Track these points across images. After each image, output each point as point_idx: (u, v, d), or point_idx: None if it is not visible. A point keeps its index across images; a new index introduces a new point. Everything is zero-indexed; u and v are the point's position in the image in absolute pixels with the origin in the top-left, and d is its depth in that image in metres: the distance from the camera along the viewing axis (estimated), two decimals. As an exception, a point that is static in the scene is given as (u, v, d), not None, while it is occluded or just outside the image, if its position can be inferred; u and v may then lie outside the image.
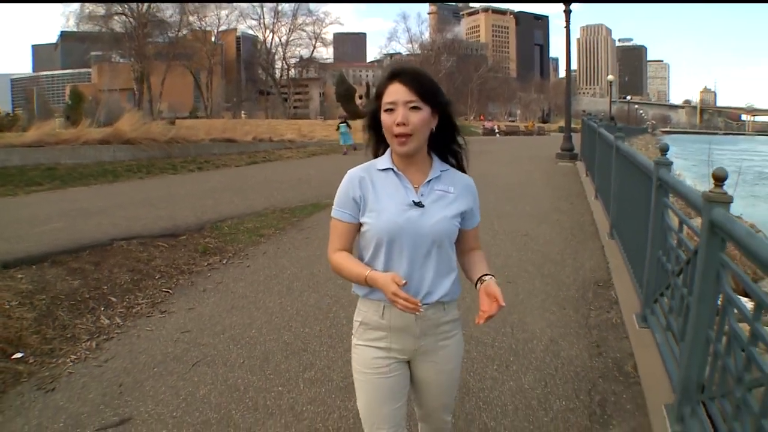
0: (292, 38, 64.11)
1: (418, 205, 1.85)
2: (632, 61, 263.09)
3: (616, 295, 5.36)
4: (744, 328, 2.43)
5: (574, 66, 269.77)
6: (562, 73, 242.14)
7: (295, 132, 23.10)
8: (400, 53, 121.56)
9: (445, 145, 1.96)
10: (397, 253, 1.86)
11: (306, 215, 8.95)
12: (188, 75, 66.12)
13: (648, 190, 4.71)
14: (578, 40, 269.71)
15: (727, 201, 2.77)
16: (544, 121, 74.81)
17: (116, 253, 6.08)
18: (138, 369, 3.84)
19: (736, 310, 2.49)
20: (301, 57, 66.27)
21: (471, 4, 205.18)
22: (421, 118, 1.79)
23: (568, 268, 6.26)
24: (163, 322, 4.67)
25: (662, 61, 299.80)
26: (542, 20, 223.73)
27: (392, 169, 1.90)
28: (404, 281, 1.70)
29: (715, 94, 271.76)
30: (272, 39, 63.59)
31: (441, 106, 1.86)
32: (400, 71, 1.84)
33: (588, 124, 14.53)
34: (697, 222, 3.26)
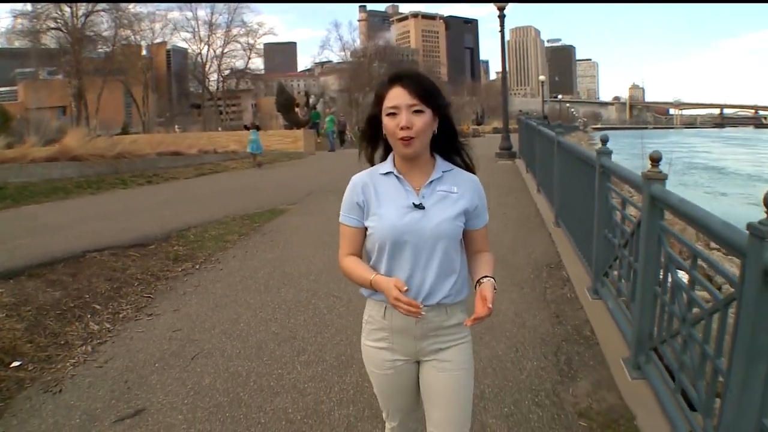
0: (227, 50, 63.30)
1: (419, 207, 1.88)
2: (561, 61, 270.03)
3: (567, 274, 5.89)
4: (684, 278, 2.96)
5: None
6: (493, 76, 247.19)
7: (235, 143, 23.11)
8: (331, 61, 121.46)
9: (447, 145, 1.97)
10: (399, 256, 1.89)
11: (266, 220, 9.20)
12: (118, 90, 64.72)
13: (590, 177, 5.26)
14: (508, 42, 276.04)
15: (662, 178, 3.32)
16: (479, 123, 76.15)
17: (91, 264, 6.22)
18: (139, 366, 4.07)
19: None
20: (232, 69, 65.63)
21: (401, 10, 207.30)
22: (424, 121, 1.82)
23: (520, 254, 6.76)
24: (153, 323, 4.90)
25: (591, 59, 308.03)
26: (472, 24, 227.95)
27: (393, 172, 1.93)
28: (406, 287, 1.73)
29: (644, 90, 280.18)
30: (207, 51, 62.63)
31: (441, 108, 1.88)
32: (400, 75, 1.87)
33: (526, 123, 15.26)
34: (636, 200, 3.90)
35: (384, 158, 2.01)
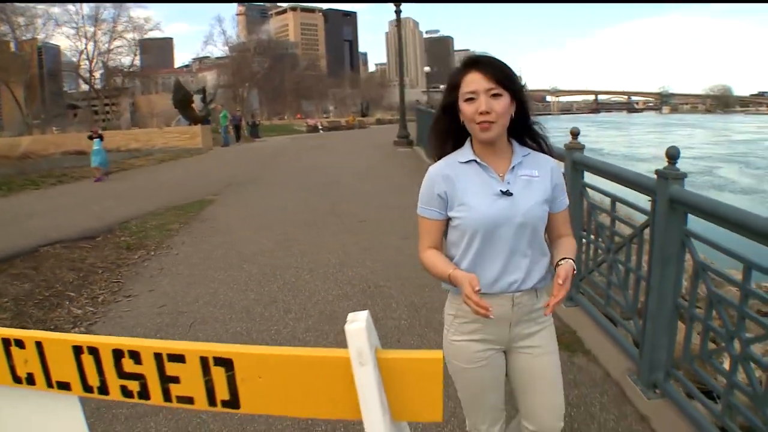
0: (113, 46, 59.99)
1: (506, 194, 1.84)
2: (440, 52, 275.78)
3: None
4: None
5: (383, 59, 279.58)
6: (372, 67, 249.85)
7: (131, 141, 22.80)
8: (209, 57, 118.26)
9: (523, 128, 1.93)
10: (490, 244, 1.86)
11: (198, 210, 9.61)
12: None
13: None
14: (387, 33, 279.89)
15: (581, 147, 4.12)
16: (364, 115, 77.61)
17: (47, 257, 6.48)
18: (141, 339, 4.54)
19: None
20: (115, 66, 62.52)
21: (279, 4, 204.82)
22: (503, 105, 1.78)
23: (445, 226, 7.66)
24: (134, 303, 5.32)
25: (469, 50, 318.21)
26: (351, 16, 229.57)
27: (475, 160, 1.88)
28: (478, 287, 1.71)
29: (521, 78, 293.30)
30: (94, 49, 59.01)
31: (518, 91, 1.84)
32: (476, 59, 1.84)
33: (428, 113, 16.31)
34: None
35: (438, 153, 2.00)
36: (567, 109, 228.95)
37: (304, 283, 5.52)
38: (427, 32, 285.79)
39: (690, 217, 2.97)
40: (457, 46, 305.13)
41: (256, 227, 8.01)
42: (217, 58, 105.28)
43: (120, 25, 60.01)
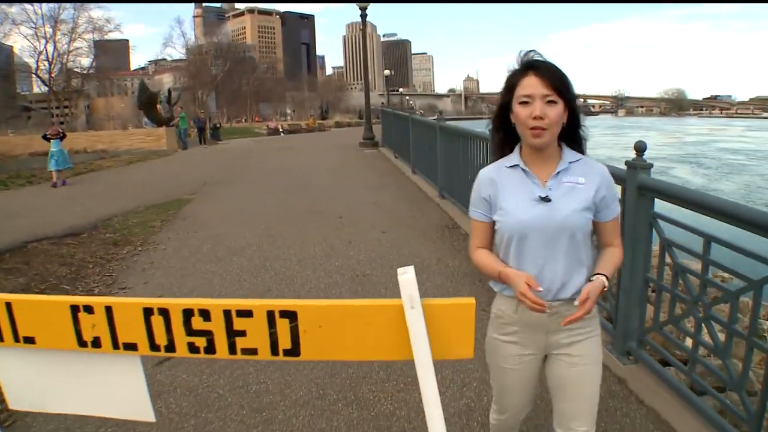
0: (72, 48, 58.32)
1: (545, 200, 1.85)
2: (398, 55, 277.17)
3: (465, 231, 7.19)
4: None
5: (341, 63, 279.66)
6: (329, 71, 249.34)
7: (96, 143, 22.62)
8: (166, 59, 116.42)
9: (570, 136, 1.92)
10: (527, 249, 1.87)
11: (178, 208, 9.78)
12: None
13: (478, 153, 6.71)
14: (344, 37, 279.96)
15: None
16: (324, 118, 77.91)
17: (37, 252, 6.59)
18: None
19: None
20: (65, 68, 60.86)
21: (236, 5, 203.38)
22: (557, 113, 1.78)
23: (421, 220, 8.03)
24: (131, 294, 5.50)
25: (426, 53, 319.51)
26: (308, 19, 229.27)
27: (519, 165, 1.90)
28: (540, 288, 1.76)
29: (478, 82, 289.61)
30: (54, 50, 57.30)
31: (572, 99, 1.84)
32: (535, 64, 1.83)
33: (396, 115, 16.67)
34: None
35: (500, 152, 2.02)
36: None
37: (294, 273, 5.78)
38: (384, 36, 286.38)
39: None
40: (414, 49, 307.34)
41: (238, 224, 8.22)
42: (174, 60, 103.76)
43: (80, 26, 58.24)
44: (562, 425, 2.04)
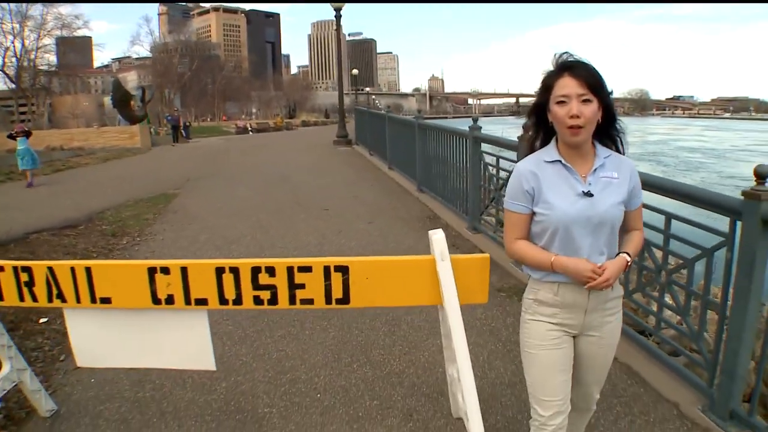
0: (41, 44, 56.76)
1: (588, 194, 1.95)
2: (363, 54, 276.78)
3: (445, 221, 7.68)
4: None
5: (306, 62, 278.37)
6: (294, 69, 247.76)
7: (69, 141, 22.61)
8: (129, 57, 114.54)
9: (605, 132, 2.03)
10: (571, 240, 1.99)
11: (166, 202, 10.08)
12: None
13: (460, 148, 7.21)
14: (309, 36, 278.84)
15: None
16: (291, 117, 78.01)
17: (40, 243, 6.87)
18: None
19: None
20: (29, 65, 59.37)
21: (201, 4, 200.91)
22: (593, 111, 1.88)
23: (402, 211, 8.50)
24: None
25: (391, 52, 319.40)
26: (273, 18, 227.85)
27: (560, 161, 2.00)
28: (599, 270, 1.94)
29: (443, 82, 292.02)
30: (22, 46, 55.63)
31: (606, 97, 1.93)
32: (571, 64, 1.92)
33: (371, 114, 17.14)
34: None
35: (530, 148, 2.14)
36: (489, 112, 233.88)
37: (292, 257, 6.14)
38: (349, 35, 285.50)
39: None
40: (379, 48, 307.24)
41: (228, 216, 8.56)
42: (139, 58, 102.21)
43: (49, 23, 56.62)
44: (579, 392, 2.26)
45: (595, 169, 1.98)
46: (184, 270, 2.49)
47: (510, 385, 3.51)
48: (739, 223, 2.88)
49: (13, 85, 57.40)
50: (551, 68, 1.97)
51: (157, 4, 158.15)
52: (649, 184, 3.56)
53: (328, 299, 2.41)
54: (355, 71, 65.07)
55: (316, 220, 8.10)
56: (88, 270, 2.59)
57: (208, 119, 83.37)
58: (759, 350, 2.94)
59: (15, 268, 2.69)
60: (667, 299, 3.63)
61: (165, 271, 2.50)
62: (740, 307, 2.87)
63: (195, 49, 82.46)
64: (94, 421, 3.27)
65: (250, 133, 45.95)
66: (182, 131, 30.64)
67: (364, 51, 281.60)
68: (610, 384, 3.46)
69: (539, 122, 2.04)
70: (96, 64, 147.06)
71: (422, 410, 3.27)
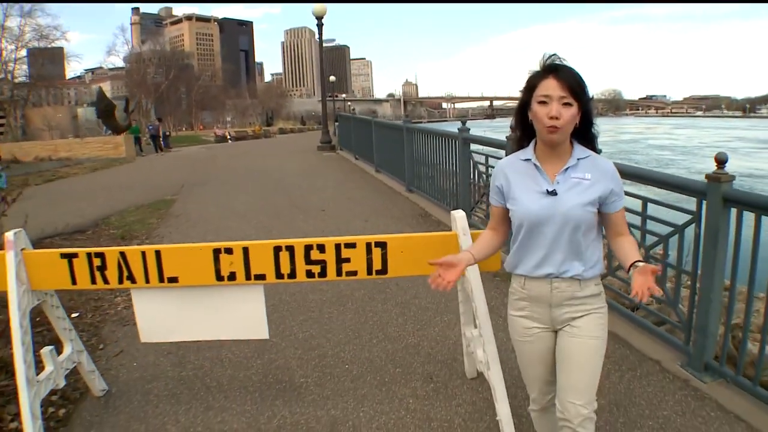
0: (19, 56, 55.93)
1: (551, 193, 2.03)
2: (336, 61, 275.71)
3: (437, 219, 8.17)
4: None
5: (279, 69, 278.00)
6: (268, 77, 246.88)
7: (52, 152, 22.76)
8: (102, 67, 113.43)
9: (582, 135, 2.08)
10: (534, 236, 2.08)
11: (167, 207, 10.43)
12: None
13: (449, 149, 7.74)
14: (283, 43, 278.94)
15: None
16: (269, 125, 78.17)
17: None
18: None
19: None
20: (5, 77, 58.38)
21: (174, 13, 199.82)
22: (572, 114, 1.94)
23: (395, 210, 9.00)
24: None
25: (365, 58, 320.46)
26: (247, 26, 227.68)
27: (531, 159, 2.09)
28: (441, 262, 2.14)
29: (417, 87, 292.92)
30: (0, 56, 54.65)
31: (586, 102, 1.99)
32: (555, 67, 1.98)
33: (356, 119, 17.73)
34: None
35: (518, 145, 2.21)
36: (463, 116, 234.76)
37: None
38: (324, 42, 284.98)
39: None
40: (353, 54, 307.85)
41: (229, 218, 8.98)
42: (112, 69, 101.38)
43: (27, 34, 55.76)
44: (559, 399, 2.17)
45: (566, 169, 2.05)
46: (245, 250, 2.94)
47: (512, 350, 4.00)
48: (704, 203, 3.42)
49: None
50: (537, 69, 2.04)
51: (130, 14, 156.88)
52: (628, 173, 4.11)
53: (369, 270, 2.88)
54: (332, 78, 65.60)
55: (315, 220, 8.55)
56: (157, 253, 3.02)
57: (184, 129, 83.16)
58: (725, 314, 3.48)
59: (89, 254, 3.08)
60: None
61: (228, 251, 2.95)
62: (708, 273, 3.40)
63: (171, 58, 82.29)
64: (146, 398, 3.69)
65: (230, 141, 46.04)
66: (161, 141, 30.72)
67: (337, 57, 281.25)
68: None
69: (523, 121, 2.11)
70: (69, 74, 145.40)
71: (440, 374, 3.76)
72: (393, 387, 3.61)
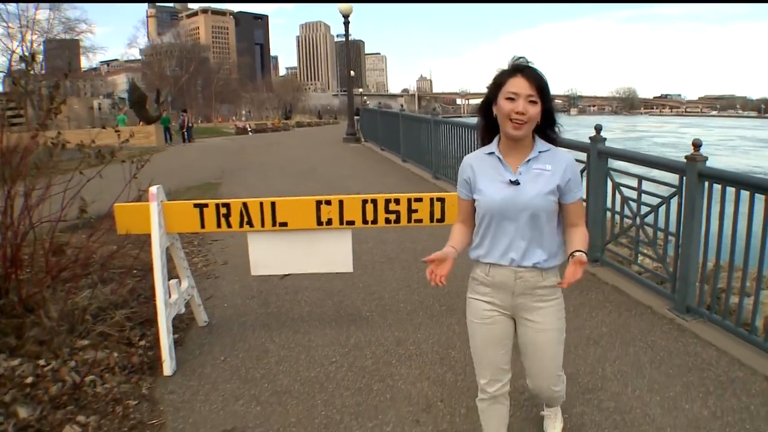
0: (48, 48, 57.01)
1: (514, 183, 2.14)
2: (351, 56, 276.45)
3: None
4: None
5: (293, 63, 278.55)
6: (283, 71, 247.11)
7: (87, 140, 23.70)
8: (117, 59, 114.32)
9: (543, 131, 2.21)
10: (499, 225, 2.19)
11: (215, 189, 11.48)
12: None
13: (472, 139, 8.74)
14: (298, 37, 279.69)
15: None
16: (287, 118, 79.29)
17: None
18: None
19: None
20: (27, 70, 59.19)
21: (190, 6, 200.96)
22: (536, 112, 2.07)
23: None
24: (224, 244, 7.21)
25: (380, 53, 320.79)
26: (262, 20, 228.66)
27: (494, 153, 2.20)
28: (432, 258, 2.20)
29: (431, 82, 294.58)
30: (30, 49, 55.50)
31: (548, 102, 2.12)
32: (523, 67, 2.10)
33: (382, 113, 18.97)
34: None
35: (481, 140, 2.33)
36: (477, 112, 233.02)
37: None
38: (338, 36, 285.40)
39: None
40: (367, 50, 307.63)
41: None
42: (128, 61, 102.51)
43: (55, 27, 56.69)
44: (529, 377, 2.47)
45: (528, 161, 2.17)
46: (341, 202, 3.96)
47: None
48: (684, 179, 4.41)
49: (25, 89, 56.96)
50: (505, 68, 2.17)
51: (146, 7, 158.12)
52: (627, 156, 5.11)
53: (432, 219, 3.90)
54: (353, 73, 66.42)
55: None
56: (273, 204, 4.03)
57: (199, 121, 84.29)
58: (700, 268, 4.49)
59: (217, 205, 4.06)
60: (641, 237, 5.17)
61: (328, 203, 3.97)
62: (688, 233, 4.40)
63: (191, 51, 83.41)
64: (242, 327, 4.68)
65: (250, 133, 46.71)
66: (185, 132, 31.70)
67: (352, 52, 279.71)
68: (603, 294, 4.99)
69: (488, 116, 2.23)
70: (85, 66, 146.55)
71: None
72: (441, 318, 4.64)
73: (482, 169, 2.24)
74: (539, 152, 2.19)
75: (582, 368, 3.71)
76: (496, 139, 2.25)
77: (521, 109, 2.05)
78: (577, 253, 2.09)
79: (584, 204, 2.42)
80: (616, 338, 4.18)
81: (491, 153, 2.23)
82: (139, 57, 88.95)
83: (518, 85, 2.07)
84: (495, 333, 2.34)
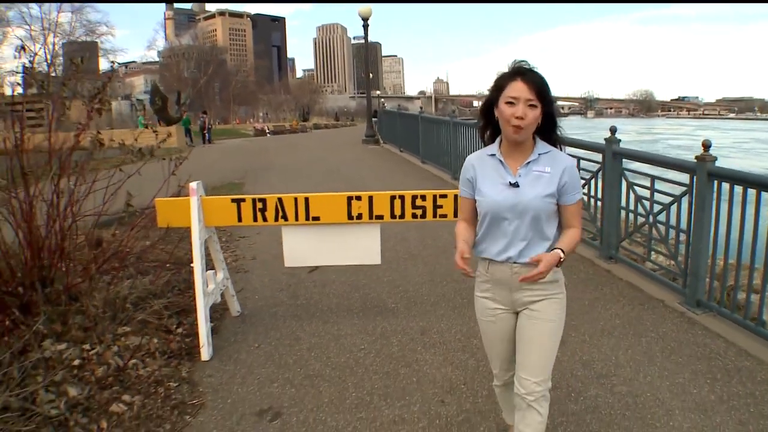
0: (68, 50, 57.78)
1: (514, 185, 2.18)
2: (369, 57, 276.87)
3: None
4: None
5: (311, 65, 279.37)
6: (300, 73, 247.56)
7: (112, 141, 24.22)
8: (135, 61, 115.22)
9: (545, 134, 2.24)
10: (498, 225, 2.24)
11: (239, 189, 11.71)
12: None
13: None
14: (315, 39, 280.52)
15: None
16: (305, 120, 79.78)
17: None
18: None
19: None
20: (24, 69, 59.59)
21: (207, 8, 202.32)
22: (535, 116, 2.10)
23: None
24: (253, 240, 7.49)
25: (396, 55, 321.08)
26: (279, 22, 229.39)
27: (496, 155, 2.23)
28: (467, 256, 2.18)
29: (448, 84, 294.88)
30: (52, 51, 56.29)
31: (549, 105, 2.13)
32: (524, 71, 2.12)
33: (401, 115, 19.29)
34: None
35: (492, 139, 2.33)
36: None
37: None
38: (354, 38, 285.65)
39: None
40: (384, 51, 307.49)
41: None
42: (144, 63, 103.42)
43: (77, 30, 57.40)
44: (516, 376, 2.37)
45: (528, 163, 2.20)
46: (370, 198, 4.23)
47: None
48: (695, 178, 4.62)
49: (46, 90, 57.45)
50: (506, 71, 2.20)
51: (163, 8, 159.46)
52: (640, 157, 5.35)
53: (455, 214, 4.16)
54: (370, 75, 66.60)
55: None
56: (306, 199, 4.31)
57: (217, 123, 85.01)
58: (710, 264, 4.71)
59: (254, 200, 4.33)
60: (654, 234, 5.40)
61: (358, 198, 4.24)
62: (698, 230, 4.61)
63: (209, 53, 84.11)
64: (273, 317, 4.95)
65: (268, 135, 46.88)
66: (206, 133, 32.05)
67: (369, 54, 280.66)
68: (617, 289, 5.22)
69: (488, 117, 2.28)
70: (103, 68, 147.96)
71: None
72: (463, 310, 4.88)
73: (484, 170, 2.29)
74: (539, 154, 2.22)
75: (596, 356, 3.94)
76: (497, 141, 2.28)
77: (520, 113, 2.08)
78: (556, 250, 2.15)
79: (582, 206, 2.46)
80: (629, 329, 4.40)
81: (492, 155, 2.27)
82: (157, 59, 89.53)
83: (518, 89, 2.09)
84: (500, 329, 2.42)
